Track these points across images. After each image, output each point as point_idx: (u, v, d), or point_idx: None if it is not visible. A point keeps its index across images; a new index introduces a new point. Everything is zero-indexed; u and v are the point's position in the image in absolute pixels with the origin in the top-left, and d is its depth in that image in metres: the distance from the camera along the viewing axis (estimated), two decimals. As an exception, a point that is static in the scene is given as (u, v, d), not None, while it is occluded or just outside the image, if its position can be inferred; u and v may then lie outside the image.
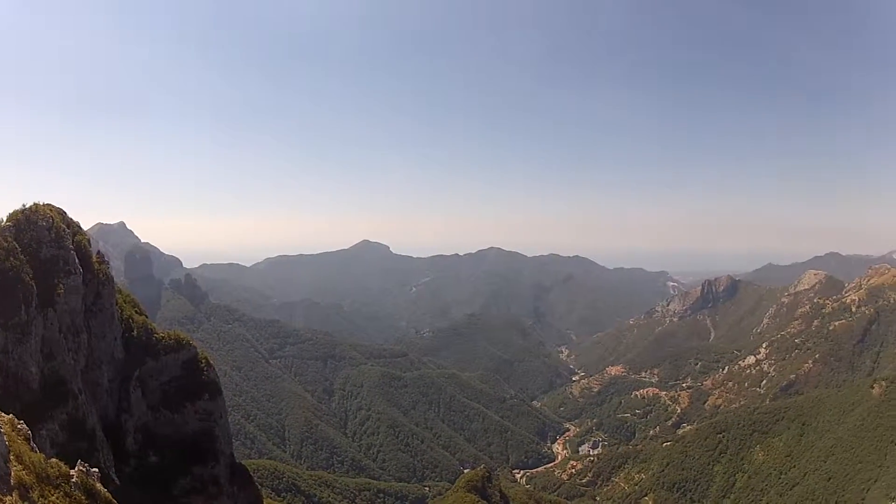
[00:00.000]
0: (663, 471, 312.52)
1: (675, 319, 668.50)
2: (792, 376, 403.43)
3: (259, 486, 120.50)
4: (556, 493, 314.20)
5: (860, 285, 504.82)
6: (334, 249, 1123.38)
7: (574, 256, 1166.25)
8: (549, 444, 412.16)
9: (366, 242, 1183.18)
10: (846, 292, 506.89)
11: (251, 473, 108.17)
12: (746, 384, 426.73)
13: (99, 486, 35.48)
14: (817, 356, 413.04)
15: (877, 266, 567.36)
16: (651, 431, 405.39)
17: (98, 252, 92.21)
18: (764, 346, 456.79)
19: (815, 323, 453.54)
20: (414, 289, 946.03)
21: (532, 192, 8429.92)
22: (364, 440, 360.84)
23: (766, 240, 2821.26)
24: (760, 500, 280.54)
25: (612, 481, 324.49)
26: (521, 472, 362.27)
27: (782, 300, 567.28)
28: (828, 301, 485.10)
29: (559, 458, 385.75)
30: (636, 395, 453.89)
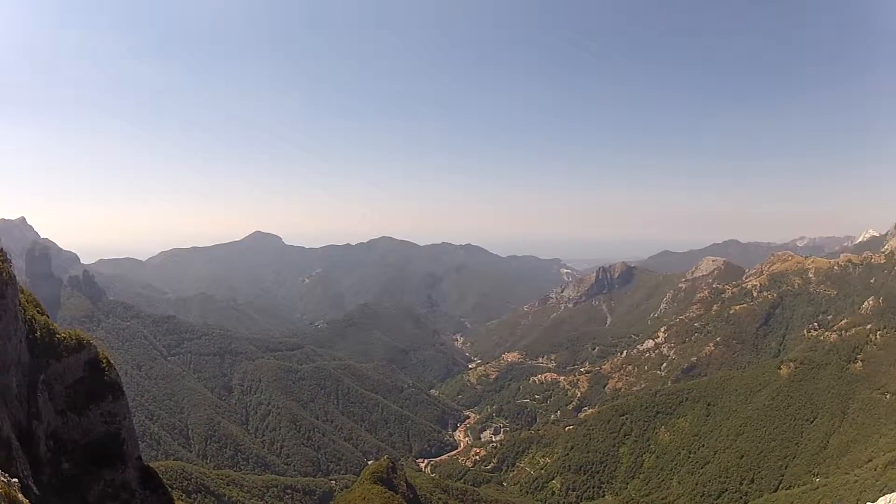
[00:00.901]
0: (568, 454, 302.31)
1: (569, 306, 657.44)
2: (693, 359, 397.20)
3: (169, 489, 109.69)
4: (461, 481, 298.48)
5: (762, 271, 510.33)
6: (227, 241, 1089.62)
7: (466, 245, 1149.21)
8: (450, 433, 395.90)
9: (258, 234, 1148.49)
10: (747, 278, 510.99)
11: (160, 476, 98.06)
12: (646, 367, 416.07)
13: (21, 496, 33.93)
14: (719, 339, 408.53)
15: (780, 253, 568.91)
16: (552, 416, 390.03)
17: (0, 250, 79.68)
18: (662, 330, 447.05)
19: (715, 307, 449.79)
20: (307, 280, 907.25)
21: (425, 180, 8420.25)
22: (267, 436, 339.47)
23: (660, 228, 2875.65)
24: (671, 478, 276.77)
25: (518, 466, 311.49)
26: (426, 461, 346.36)
27: (680, 286, 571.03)
28: (728, 286, 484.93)
29: (462, 445, 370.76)
30: (534, 381, 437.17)
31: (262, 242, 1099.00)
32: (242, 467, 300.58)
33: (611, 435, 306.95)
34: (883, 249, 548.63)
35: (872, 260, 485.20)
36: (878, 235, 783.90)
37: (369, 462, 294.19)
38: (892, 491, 23.96)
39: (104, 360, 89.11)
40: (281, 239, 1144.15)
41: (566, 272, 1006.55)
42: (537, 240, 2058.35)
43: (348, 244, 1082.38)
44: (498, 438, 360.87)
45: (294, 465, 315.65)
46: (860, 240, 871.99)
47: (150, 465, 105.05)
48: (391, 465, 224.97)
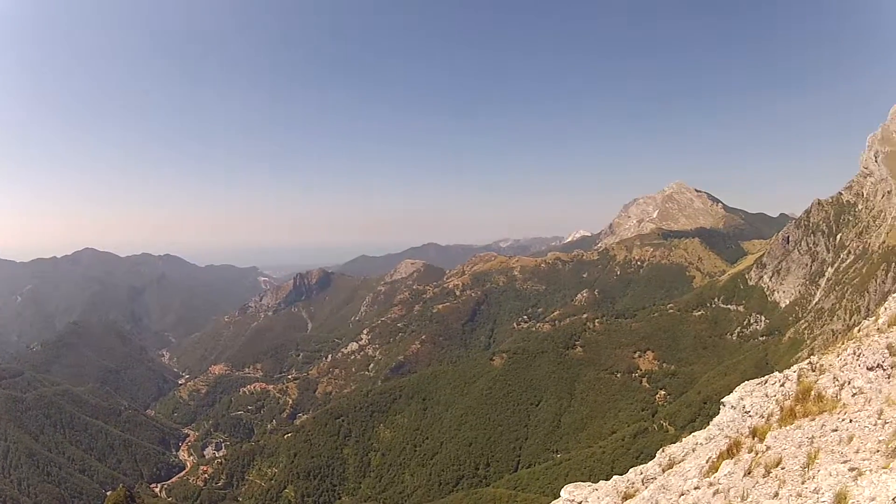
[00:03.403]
0: (293, 461, 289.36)
1: (269, 314, 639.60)
2: (400, 358, 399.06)
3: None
4: (198, 502, 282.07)
5: (463, 271, 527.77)
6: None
7: (165, 255, 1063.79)
8: (175, 453, 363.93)
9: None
10: (448, 278, 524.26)
11: None
12: (354, 369, 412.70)
13: None
14: (424, 337, 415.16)
15: (482, 254, 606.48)
16: (269, 426, 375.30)
17: None
18: (365, 332, 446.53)
19: (417, 308, 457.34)
20: (19, 297, 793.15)
21: (132, 188, 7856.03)
22: (13, 475, 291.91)
23: (357, 233, 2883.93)
24: (403, 473, 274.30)
25: (248, 480, 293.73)
26: (158, 485, 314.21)
27: (379, 289, 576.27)
28: (429, 287, 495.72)
29: (189, 465, 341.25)
30: (244, 392, 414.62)
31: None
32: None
33: (331, 438, 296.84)
34: (596, 247, 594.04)
35: (584, 257, 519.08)
36: (589, 235, 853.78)
37: (108, 493, 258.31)
38: (645, 458, 27.00)
39: None
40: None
41: (264, 280, 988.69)
42: (233, 248, 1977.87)
43: (54, 257, 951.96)
44: (221, 454, 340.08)
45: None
46: (569, 239, 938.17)
47: None
48: (128, 494, 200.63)
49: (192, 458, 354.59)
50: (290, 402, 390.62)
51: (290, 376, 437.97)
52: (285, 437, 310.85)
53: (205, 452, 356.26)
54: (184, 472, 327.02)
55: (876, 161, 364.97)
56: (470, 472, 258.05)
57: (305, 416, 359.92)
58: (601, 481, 26.19)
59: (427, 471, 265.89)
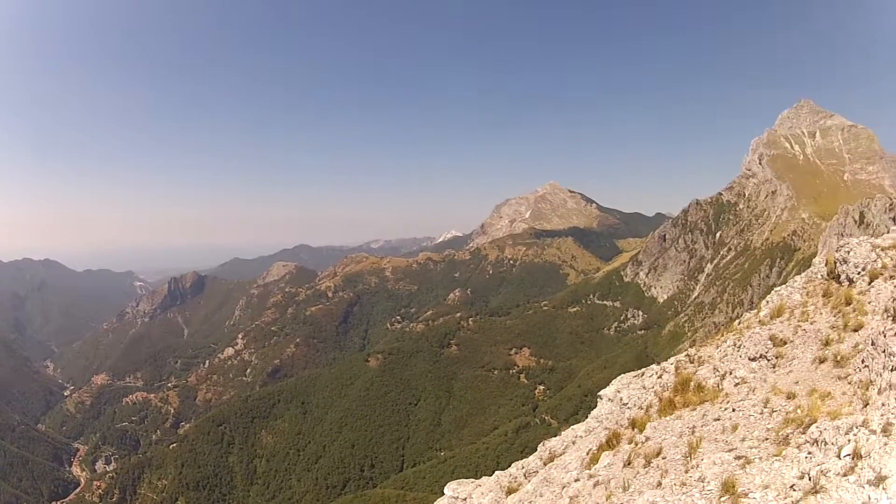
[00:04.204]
0: (181, 473, 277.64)
1: (146, 320, 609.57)
2: (276, 361, 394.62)
3: None
4: None
5: (335, 273, 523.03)
6: None
7: (45, 260, 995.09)
8: (68, 469, 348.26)
9: None
10: (320, 280, 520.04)
11: None
12: (231, 375, 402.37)
13: None
14: (299, 340, 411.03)
15: (354, 255, 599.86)
16: (153, 436, 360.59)
17: None
18: (240, 336, 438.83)
19: (290, 310, 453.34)
20: None
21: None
22: None
23: (230, 235, 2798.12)
24: (289, 478, 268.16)
25: (140, 493, 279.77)
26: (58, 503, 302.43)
27: (252, 292, 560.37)
28: (301, 289, 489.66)
29: (83, 481, 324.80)
30: (128, 402, 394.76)
31: None
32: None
33: (215, 447, 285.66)
34: (468, 247, 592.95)
35: (456, 256, 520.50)
36: (461, 235, 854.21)
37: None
38: (529, 452, 25.74)
39: None
40: None
41: (139, 285, 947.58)
42: (108, 251, 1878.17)
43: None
44: (112, 468, 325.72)
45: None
46: (441, 240, 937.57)
47: None
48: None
49: (84, 473, 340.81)
50: (172, 411, 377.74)
51: (170, 384, 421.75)
52: (171, 447, 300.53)
53: (96, 467, 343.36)
54: (79, 489, 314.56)
55: (760, 164, 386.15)
56: (356, 474, 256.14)
57: (188, 425, 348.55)
58: (484, 477, 26.06)
59: (313, 475, 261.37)
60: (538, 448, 25.47)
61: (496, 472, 25.34)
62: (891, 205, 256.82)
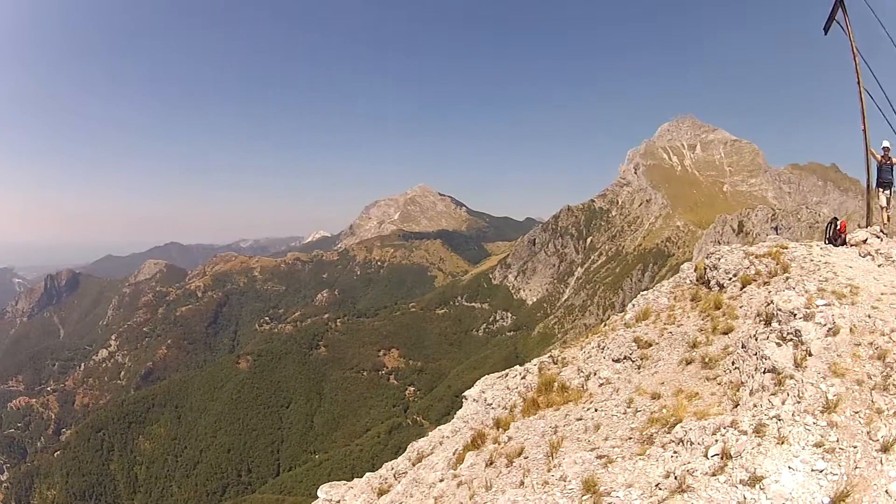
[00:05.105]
0: (68, 481, 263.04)
1: (24, 319, 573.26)
2: (149, 364, 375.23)
3: None
4: None
5: (204, 272, 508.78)
6: None
7: None
8: None
9: None
10: (190, 279, 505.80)
11: None
12: (107, 378, 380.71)
13: None
14: (170, 342, 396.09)
15: (223, 254, 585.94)
16: (38, 443, 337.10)
17: None
18: (114, 337, 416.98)
19: (161, 310, 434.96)
20: None
21: None
22: None
23: (105, 231, 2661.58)
24: (170, 485, 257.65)
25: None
26: None
27: (125, 291, 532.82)
28: (171, 289, 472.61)
29: None
30: (12, 408, 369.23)
31: None
32: None
33: (97, 454, 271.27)
34: (336, 247, 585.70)
35: (324, 257, 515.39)
36: (329, 236, 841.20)
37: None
38: (403, 453, 24.92)
39: None
40: None
41: (18, 281, 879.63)
42: None
43: None
44: (5, 477, 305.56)
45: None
46: (309, 240, 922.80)
47: None
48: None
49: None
50: (53, 416, 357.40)
51: (49, 388, 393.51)
52: (55, 454, 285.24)
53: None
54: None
55: (636, 173, 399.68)
56: (234, 479, 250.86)
57: (68, 431, 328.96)
58: (356, 479, 25.77)
59: (192, 481, 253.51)
60: (407, 449, 25.47)
61: (367, 474, 25.19)
62: (773, 215, 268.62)
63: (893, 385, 11.41)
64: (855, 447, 10.19)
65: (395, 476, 22.82)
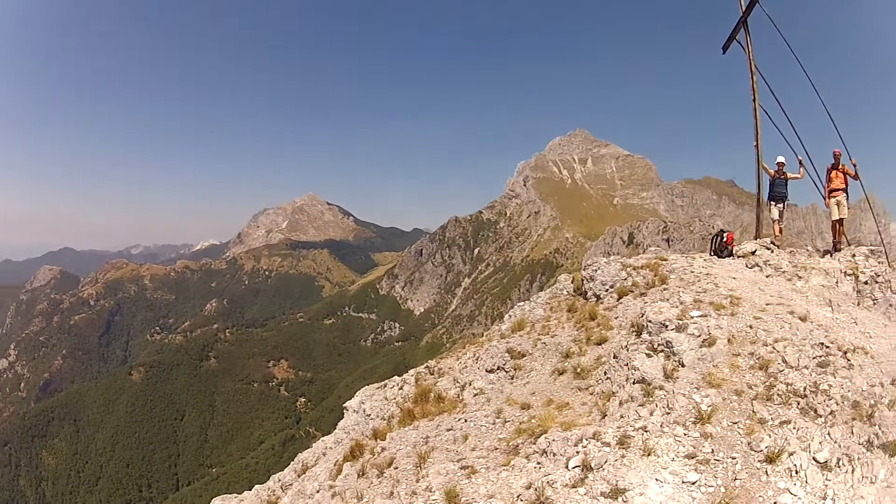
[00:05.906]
0: None
1: None
2: (46, 375, 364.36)
3: None
4: None
5: (96, 279, 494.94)
6: None
7: None
8: None
9: None
10: (83, 287, 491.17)
11: None
12: (8, 389, 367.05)
13: None
14: (65, 352, 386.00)
15: (115, 261, 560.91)
16: None
17: None
18: (12, 347, 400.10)
19: (56, 319, 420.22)
20: None
21: None
22: None
23: (2, 234, 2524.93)
24: (76, 501, 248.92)
25: None
26: None
27: (21, 298, 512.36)
28: (66, 296, 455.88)
29: None
30: None
31: None
32: None
33: (5, 469, 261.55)
34: (224, 256, 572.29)
35: (213, 266, 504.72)
36: (218, 244, 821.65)
37: None
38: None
39: None
40: None
41: None
42: None
43: None
44: None
45: None
46: (198, 247, 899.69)
47: None
48: None
49: None
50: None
51: None
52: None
53: None
54: None
55: (525, 185, 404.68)
56: (135, 495, 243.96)
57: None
58: (245, 492, 25.07)
59: (96, 497, 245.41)
60: (294, 460, 25.02)
61: (256, 487, 24.54)
62: (665, 227, 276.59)
63: (778, 395, 11.76)
64: (734, 458, 10.30)
65: (282, 488, 22.34)
